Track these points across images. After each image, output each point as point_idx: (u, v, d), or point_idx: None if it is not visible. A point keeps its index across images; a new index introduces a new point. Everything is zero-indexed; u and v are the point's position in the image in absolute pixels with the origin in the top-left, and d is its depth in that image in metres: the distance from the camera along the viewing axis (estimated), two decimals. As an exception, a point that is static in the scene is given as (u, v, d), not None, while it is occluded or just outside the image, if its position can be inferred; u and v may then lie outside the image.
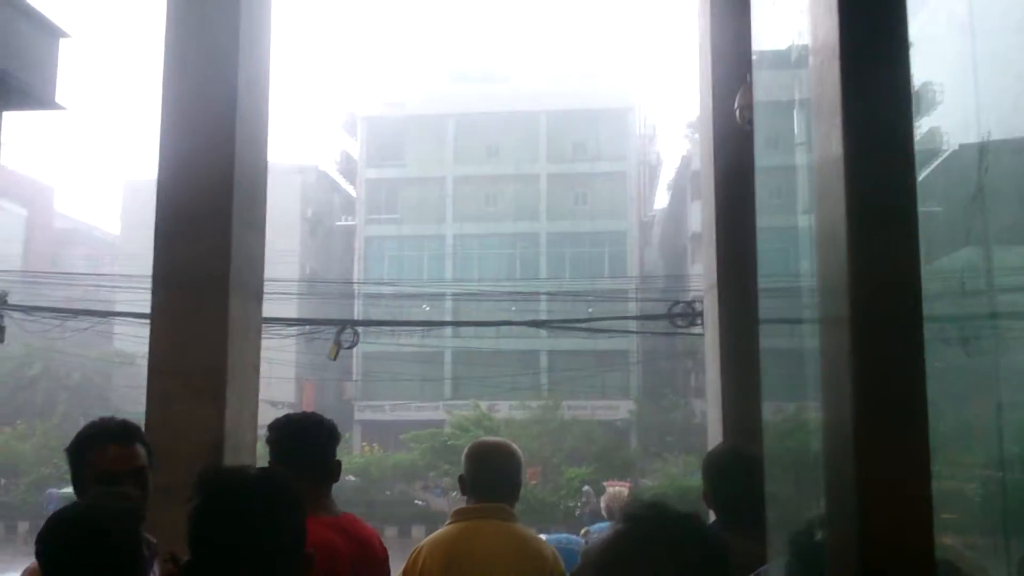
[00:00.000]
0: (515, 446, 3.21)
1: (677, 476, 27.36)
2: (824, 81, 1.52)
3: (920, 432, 1.39)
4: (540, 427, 32.02)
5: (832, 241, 1.49)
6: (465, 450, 3.21)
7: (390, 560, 3.02)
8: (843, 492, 1.42)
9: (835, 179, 1.47)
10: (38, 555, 2.02)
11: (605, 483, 26.59)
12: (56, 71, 3.53)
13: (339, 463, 2.96)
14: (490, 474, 3.08)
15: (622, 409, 36.78)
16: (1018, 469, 2.24)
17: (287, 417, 3.01)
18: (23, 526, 25.60)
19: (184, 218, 3.51)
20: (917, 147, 3.04)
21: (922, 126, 2.93)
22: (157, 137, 3.56)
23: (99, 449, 2.49)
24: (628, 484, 27.37)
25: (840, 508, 1.45)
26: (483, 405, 33.03)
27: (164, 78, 3.58)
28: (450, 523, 3.08)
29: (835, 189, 1.47)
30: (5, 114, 3.78)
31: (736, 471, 2.98)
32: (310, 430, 2.94)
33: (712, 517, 3.05)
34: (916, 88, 3.06)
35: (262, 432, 3.14)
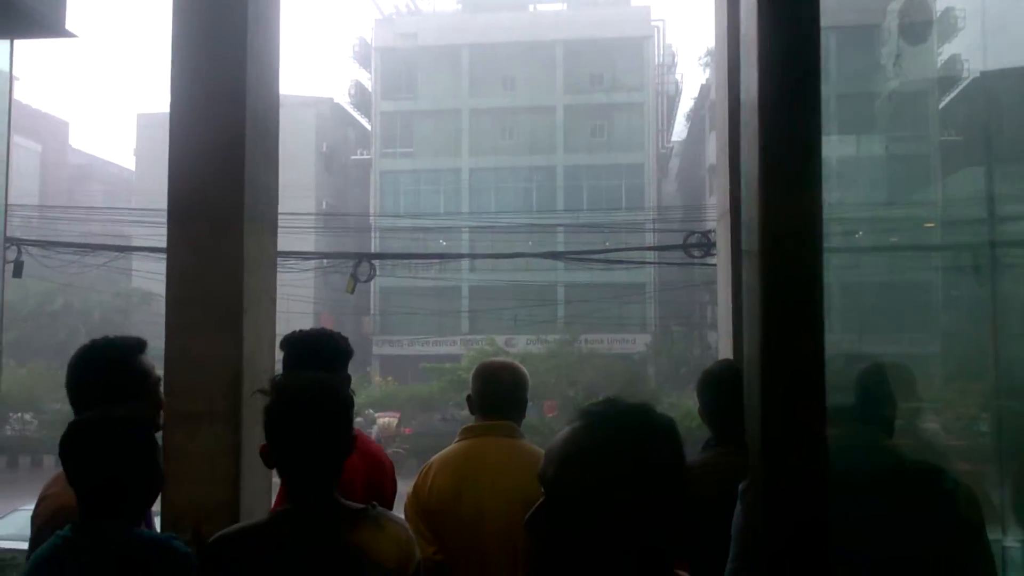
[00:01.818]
0: (521, 366, 3.27)
1: (692, 407, 27.59)
2: (748, 19, 1.51)
3: (816, 359, 1.56)
4: (557, 360, 32.24)
5: (749, 177, 1.52)
6: (472, 370, 3.28)
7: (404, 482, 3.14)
8: (752, 400, 1.63)
9: (752, 116, 1.48)
10: (62, 455, 2.14)
11: (376, 414, 27.35)
12: (65, -5, 3.49)
13: (349, 377, 3.02)
14: (496, 392, 3.15)
15: (639, 342, 36.93)
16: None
17: (299, 333, 3.10)
18: (48, 460, 26.35)
19: (197, 151, 3.51)
20: (938, 74, 2.98)
21: (943, 52, 2.88)
22: (169, 69, 3.54)
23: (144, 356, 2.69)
24: (398, 415, 28.17)
25: (752, 413, 1.65)
26: (500, 339, 33.22)
27: (174, 8, 3.55)
28: (458, 440, 3.16)
29: (752, 126, 1.48)
30: (17, 45, 3.76)
31: (726, 387, 3.07)
32: (321, 345, 3.05)
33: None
34: (938, 14, 3.00)
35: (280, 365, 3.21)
